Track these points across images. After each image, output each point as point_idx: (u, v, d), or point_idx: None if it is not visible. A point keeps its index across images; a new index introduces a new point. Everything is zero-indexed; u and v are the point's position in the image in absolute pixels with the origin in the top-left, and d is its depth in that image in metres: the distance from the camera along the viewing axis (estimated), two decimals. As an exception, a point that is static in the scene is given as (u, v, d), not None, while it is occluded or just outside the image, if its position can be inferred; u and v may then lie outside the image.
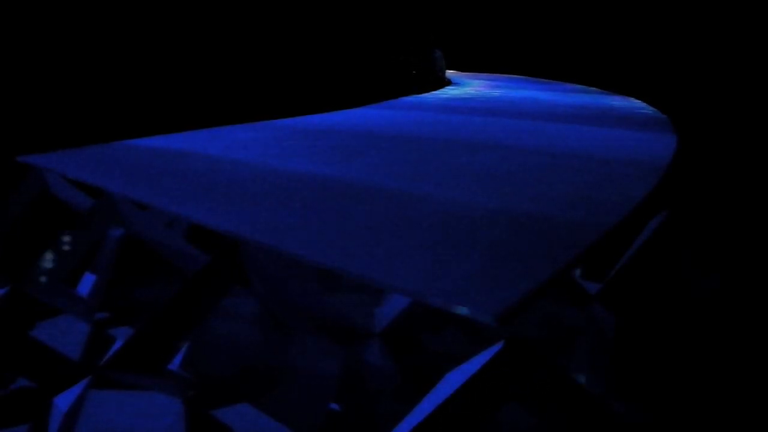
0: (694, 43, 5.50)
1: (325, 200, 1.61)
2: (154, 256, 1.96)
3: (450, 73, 9.84)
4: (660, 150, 2.49)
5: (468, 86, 6.31)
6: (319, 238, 1.28)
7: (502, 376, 0.94)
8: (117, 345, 1.45)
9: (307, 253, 1.17)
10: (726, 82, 4.81)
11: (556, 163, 2.21)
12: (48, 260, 1.98)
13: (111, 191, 1.76)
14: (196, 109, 3.33)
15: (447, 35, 10.85)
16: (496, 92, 5.60)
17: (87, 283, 2.31)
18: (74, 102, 2.74)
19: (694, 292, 1.88)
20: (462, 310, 0.91)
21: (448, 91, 5.60)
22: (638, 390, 1.40)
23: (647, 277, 1.76)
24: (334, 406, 1.34)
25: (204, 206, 1.55)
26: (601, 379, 1.35)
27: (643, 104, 4.64)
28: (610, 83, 6.27)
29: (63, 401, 1.29)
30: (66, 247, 2.02)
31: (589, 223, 1.41)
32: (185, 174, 1.92)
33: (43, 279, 1.97)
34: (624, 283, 1.66)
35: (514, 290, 0.96)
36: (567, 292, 1.53)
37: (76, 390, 1.32)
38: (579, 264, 1.42)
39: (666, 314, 1.75)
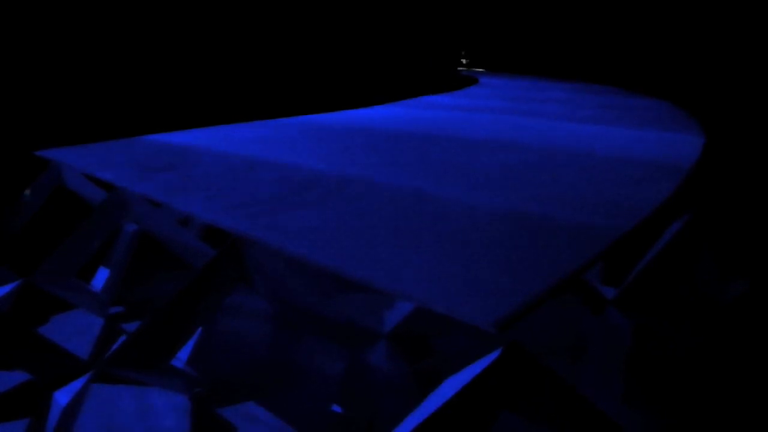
0: (721, 43, 5.37)
1: (328, 198, 1.58)
2: (166, 252, 1.96)
3: (476, 72, 9.77)
4: (684, 151, 2.41)
5: (492, 86, 6.24)
6: (320, 238, 1.25)
7: (499, 384, 0.90)
8: (120, 341, 1.44)
9: (309, 254, 1.14)
10: (755, 81, 4.68)
11: (575, 163, 2.15)
12: (62, 254, 1.98)
13: (120, 186, 1.75)
14: (220, 105, 3.33)
15: (475, 35, 10.79)
16: (519, 92, 5.53)
17: (102, 278, 2.32)
18: (91, 97, 2.76)
19: (718, 298, 1.81)
20: (462, 316, 0.87)
21: (471, 90, 5.54)
22: (655, 402, 1.35)
23: (667, 282, 1.70)
24: (337, 408, 1.31)
25: (211, 203, 1.52)
26: (614, 390, 1.31)
27: (669, 104, 4.53)
28: (635, 83, 6.16)
29: (63, 396, 1.29)
30: (79, 242, 2.02)
31: (603, 228, 1.36)
32: (198, 171, 1.90)
33: (56, 273, 1.98)
34: (643, 289, 1.60)
35: (517, 297, 0.92)
36: (582, 296, 1.48)
37: (77, 385, 1.31)
38: (591, 269, 1.37)
39: (687, 321, 1.69)
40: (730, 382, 1.50)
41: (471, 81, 6.79)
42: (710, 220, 1.84)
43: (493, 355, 0.89)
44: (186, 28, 3.37)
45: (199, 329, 1.69)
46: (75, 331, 1.96)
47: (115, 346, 1.46)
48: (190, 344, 1.72)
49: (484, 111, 3.80)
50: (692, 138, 2.78)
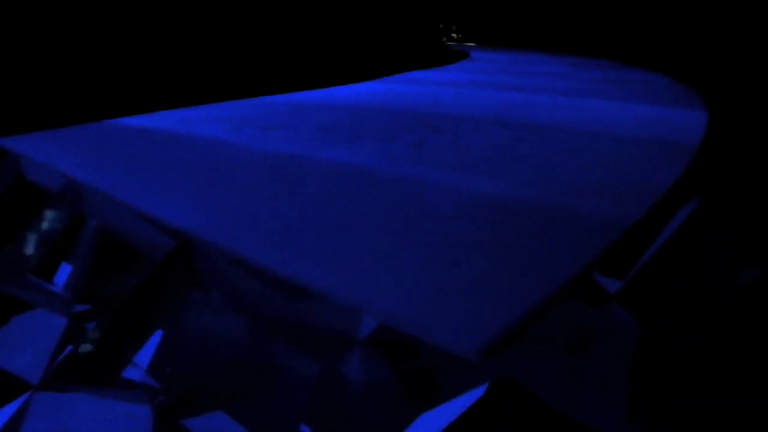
0: (717, 15, 5.19)
1: (299, 190, 1.42)
2: (125, 246, 1.80)
3: (468, 46, 9.55)
4: (689, 128, 2.26)
5: (485, 60, 6.05)
6: (282, 240, 1.10)
7: (487, 423, 0.76)
8: (64, 354, 1.29)
9: (261, 256, 0.99)
10: (755, 55, 4.51)
11: (573, 142, 1.99)
12: (14, 250, 1.82)
13: (74, 177, 1.59)
14: (190, 86, 3.14)
15: (467, 9, 10.54)
16: (512, 66, 5.35)
17: (65, 274, 2.17)
18: (56, 78, 2.58)
19: (730, 288, 1.67)
20: (438, 341, 0.73)
21: (461, 65, 5.36)
22: (663, 409, 1.21)
23: (676, 273, 1.55)
24: (305, 428, 1.16)
25: (166, 196, 1.37)
26: (617, 401, 1.17)
27: (667, 78, 4.37)
28: (631, 57, 5.98)
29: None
30: (34, 236, 1.86)
31: (610, 216, 1.21)
32: (157, 158, 1.74)
33: (9, 271, 1.82)
34: (649, 281, 1.45)
35: (507, 315, 0.78)
36: (581, 290, 1.33)
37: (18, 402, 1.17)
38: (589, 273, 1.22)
39: (698, 317, 1.55)
40: (743, 382, 1.36)
41: (462, 55, 6.60)
42: (720, 202, 1.69)
43: (477, 392, 0.74)
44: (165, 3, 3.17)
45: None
46: (33, 333, 1.81)
47: (60, 358, 1.30)
48: (152, 346, 1.57)
49: (474, 86, 3.63)
50: (695, 113, 2.63)
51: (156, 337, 1.58)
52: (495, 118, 2.42)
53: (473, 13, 10.94)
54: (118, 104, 2.61)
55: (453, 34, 11.63)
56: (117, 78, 2.87)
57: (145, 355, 1.56)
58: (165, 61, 3.14)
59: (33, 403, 1.28)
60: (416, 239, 1.09)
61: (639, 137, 2.07)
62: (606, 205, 1.30)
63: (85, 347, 1.32)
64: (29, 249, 1.85)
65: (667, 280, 1.48)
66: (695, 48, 5.18)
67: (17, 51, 2.53)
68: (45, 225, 1.83)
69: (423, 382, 1.02)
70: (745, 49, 4.65)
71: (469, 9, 10.87)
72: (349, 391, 1.13)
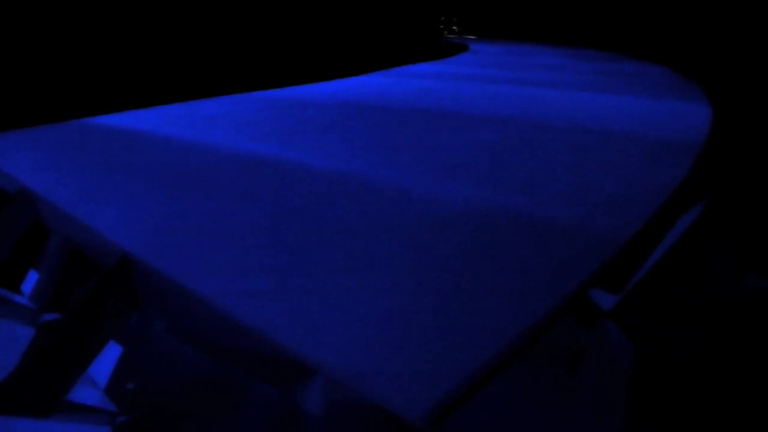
0: (716, 5, 5.04)
1: (255, 204, 1.30)
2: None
3: (468, 39, 9.39)
4: (692, 123, 2.12)
5: (483, 53, 5.90)
6: (225, 266, 0.98)
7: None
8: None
9: (199, 285, 0.87)
10: (758, 43, 4.37)
11: (569, 141, 1.86)
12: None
13: (25, 182, 1.47)
14: (168, 83, 3.02)
15: (468, 1, 10.38)
16: (511, 58, 5.20)
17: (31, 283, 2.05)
18: (24, 75, 2.45)
19: (735, 296, 1.54)
20: (380, 399, 0.61)
21: (459, 58, 5.21)
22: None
23: (678, 283, 1.43)
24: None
25: (116, 207, 1.25)
26: (611, 422, 1.05)
27: (667, 69, 4.23)
28: (631, 49, 5.83)
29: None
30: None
31: (603, 230, 1.09)
32: (117, 162, 1.63)
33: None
34: (648, 295, 1.33)
35: (456, 378, 0.66)
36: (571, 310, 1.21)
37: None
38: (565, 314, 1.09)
39: (701, 326, 1.43)
40: (746, 392, 1.24)
41: (461, 48, 6.45)
42: (726, 205, 1.56)
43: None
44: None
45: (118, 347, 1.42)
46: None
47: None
48: (110, 364, 1.46)
49: (470, 80, 3.49)
50: (698, 107, 2.49)
51: (114, 357, 1.46)
52: (486, 114, 2.29)
53: (475, 6, 10.79)
54: (91, 102, 2.48)
55: (454, 27, 11.47)
56: (90, 74, 2.74)
57: (104, 375, 1.44)
58: (142, 56, 3.01)
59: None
60: (375, 268, 0.97)
61: (638, 134, 1.94)
62: (600, 217, 1.18)
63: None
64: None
65: (668, 293, 1.35)
66: (695, 38, 5.03)
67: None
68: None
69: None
70: (748, 39, 4.51)
71: (471, 1, 10.72)
72: (307, 421, 1.01)
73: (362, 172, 1.46)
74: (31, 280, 2.08)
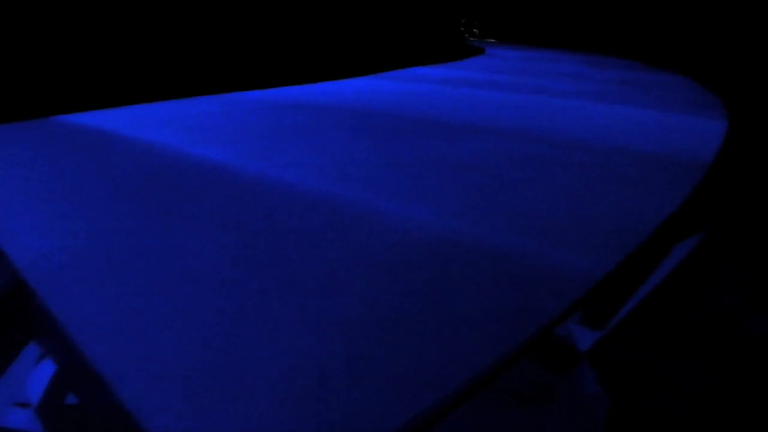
0: (746, 13, 4.82)
1: (192, 222, 1.18)
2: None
3: (487, 42, 9.23)
4: (702, 140, 1.96)
5: (498, 57, 5.75)
6: (119, 304, 0.85)
7: None
8: None
9: (77, 325, 0.75)
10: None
11: (565, 157, 1.72)
12: None
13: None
14: (163, 80, 2.92)
15: (490, 5, 10.23)
16: (525, 64, 5.04)
17: None
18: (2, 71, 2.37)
19: (740, 337, 1.39)
20: None
21: (471, 62, 5.07)
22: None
23: (669, 321, 1.28)
24: None
25: (35, 220, 1.13)
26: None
27: (688, 80, 4.04)
28: (655, 58, 5.63)
29: None
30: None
31: (569, 278, 0.95)
32: (78, 165, 1.52)
33: None
34: (630, 335, 1.18)
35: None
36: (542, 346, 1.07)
37: None
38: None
39: (703, 372, 1.28)
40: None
41: (476, 51, 6.30)
42: (732, 234, 1.41)
43: None
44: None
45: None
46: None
47: None
48: (44, 379, 1.34)
49: (476, 86, 3.35)
50: (713, 123, 2.33)
51: (46, 375, 1.35)
52: (483, 124, 2.15)
53: (497, 9, 10.63)
54: (72, 98, 2.39)
55: (474, 30, 11.31)
56: (73, 71, 2.65)
57: (37, 394, 1.33)
58: (137, 50, 2.91)
59: None
60: (309, 310, 0.84)
61: (643, 151, 1.78)
62: (573, 254, 1.04)
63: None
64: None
65: (657, 331, 1.21)
66: (720, 48, 4.83)
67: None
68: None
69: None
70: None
71: (494, 5, 10.56)
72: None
73: (319, 188, 1.33)
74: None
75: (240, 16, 3.57)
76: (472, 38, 10.61)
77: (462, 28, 11.06)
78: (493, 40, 10.13)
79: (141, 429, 0.65)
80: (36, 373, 1.29)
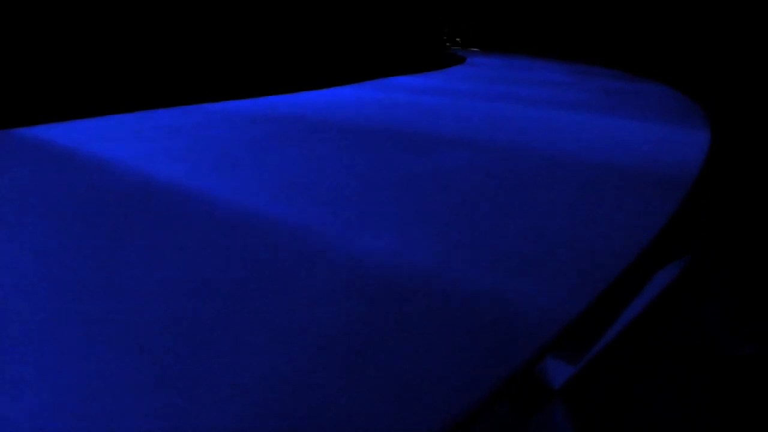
0: (731, 22, 4.79)
1: (115, 254, 1.06)
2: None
3: (470, 51, 9.17)
4: (685, 154, 1.87)
5: (477, 65, 5.67)
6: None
7: None
8: None
9: None
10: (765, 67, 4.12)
11: (539, 174, 1.61)
12: None
13: None
14: (120, 90, 2.79)
15: (474, 14, 10.20)
16: (505, 72, 4.97)
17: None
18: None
19: (727, 362, 1.30)
20: None
21: (450, 71, 4.98)
22: None
23: (650, 354, 1.18)
24: None
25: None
26: None
27: (671, 89, 3.98)
28: (638, 66, 5.59)
29: None
30: None
31: (532, 323, 0.85)
32: (22, 187, 1.40)
33: None
34: (610, 371, 1.08)
35: None
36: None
37: None
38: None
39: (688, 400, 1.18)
40: None
41: (457, 60, 6.23)
42: (717, 258, 1.31)
43: None
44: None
45: None
46: None
47: None
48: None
49: (453, 95, 3.25)
50: (695, 135, 2.24)
51: None
52: (453, 137, 2.05)
53: (481, 18, 10.60)
54: (34, 110, 2.26)
55: (457, 39, 11.27)
56: (34, 82, 2.52)
57: None
58: (104, 60, 2.79)
59: None
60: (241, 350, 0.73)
61: (622, 166, 1.69)
62: (549, 289, 0.93)
63: None
64: None
65: (636, 367, 1.10)
66: (704, 57, 4.79)
67: None
68: None
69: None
70: (759, 59, 4.26)
71: (477, 14, 10.54)
72: None
73: (266, 212, 1.22)
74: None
75: (213, 23, 3.45)
76: (454, 47, 10.56)
77: (444, 37, 11.01)
78: (477, 49, 10.08)
79: None
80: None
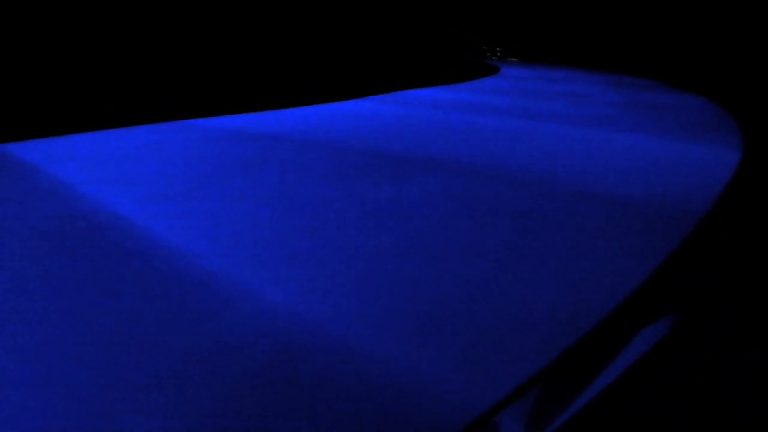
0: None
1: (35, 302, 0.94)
2: None
3: (509, 61, 8.95)
4: (707, 179, 1.66)
5: (508, 77, 5.47)
6: None
7: None
8: None
9: None
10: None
11: (520, 206, 1.43)
12: None
13: None
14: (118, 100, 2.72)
15: (517, 25, 10.01)
16: (534, 84, 4.75)
17: None
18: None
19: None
20: None
21: (477, 83, 4.79)
22: None
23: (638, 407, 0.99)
24: None
25: None
26: None
27: (708, 103, 3.71)
28: (680, 78, 5.30)
29: None
30: None
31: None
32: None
33: None
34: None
35: None
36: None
37: None
38: None
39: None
40: None
41: (490, 71, 6.04)
42: (726, 308, 1.11)
43: None
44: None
45: None
46: None
47: None
48: None
49: (464, 109, 3.08)
50: (723, 155, 2.02)
51: None
52: (440, 159, 1.88)
53: (523, 29, 10.39)
54: (4, 126, 2.20)
55: (497, 48, 11.06)
56: (4, 98, 2.47)
57: None
58: (80, 72, 2.73)
59: None
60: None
61: (631, 197, 1.48)
62: (504, 362, 0.76)
63: None
64: None
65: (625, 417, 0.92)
66: (749, 70, 4.48)
67: None
68: None
69: None
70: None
71: (518, 25, 10.34)
72: None
73: (191, 253, 1.08)
74: None
75: (203, 29, 3.38)
76: (493, 57, 10.36)
77: (484, 47, 10.82)
78: (515, 59, 9.85)
79: None
80: None
